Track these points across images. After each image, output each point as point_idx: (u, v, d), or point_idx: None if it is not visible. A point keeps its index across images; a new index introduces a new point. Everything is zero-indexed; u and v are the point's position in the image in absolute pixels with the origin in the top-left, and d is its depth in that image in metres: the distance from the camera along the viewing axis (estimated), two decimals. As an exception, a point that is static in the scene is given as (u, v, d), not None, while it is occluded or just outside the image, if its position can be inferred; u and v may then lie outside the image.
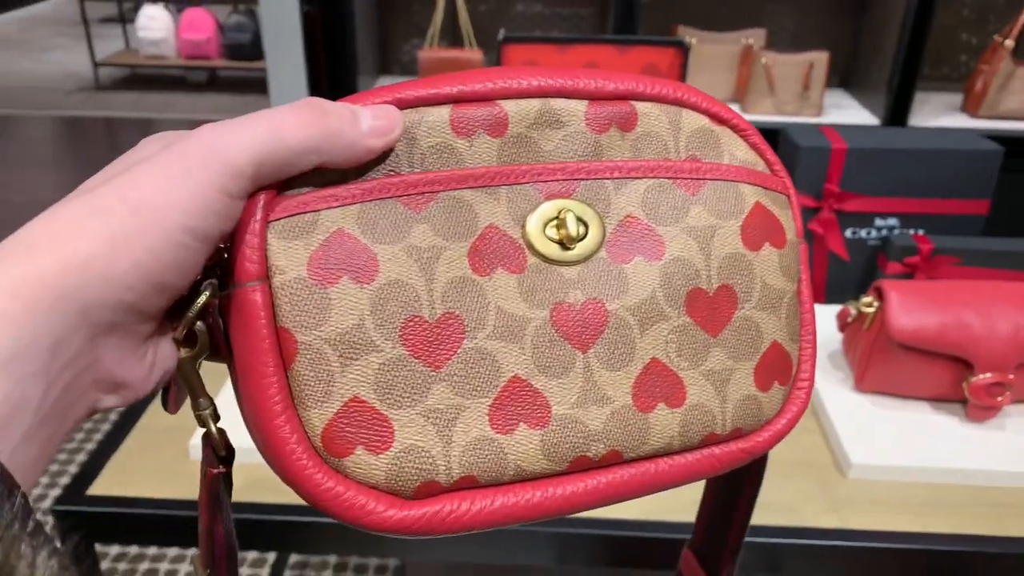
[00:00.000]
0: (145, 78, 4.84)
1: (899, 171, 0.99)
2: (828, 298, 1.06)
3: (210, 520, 0.29)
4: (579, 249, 0.29)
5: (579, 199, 0.29)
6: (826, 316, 0.95)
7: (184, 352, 0.26)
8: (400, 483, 0.26)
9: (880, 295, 0.84)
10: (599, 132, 0.30)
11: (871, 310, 0.83)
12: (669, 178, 0.31)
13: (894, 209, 1.01)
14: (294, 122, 0.25)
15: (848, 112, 2.21)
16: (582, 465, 0.29)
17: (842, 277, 1.05)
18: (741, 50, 2.17)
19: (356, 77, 2.17)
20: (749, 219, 0.31)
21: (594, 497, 0.29)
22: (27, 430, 0.21)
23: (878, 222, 1.01)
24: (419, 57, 2.23)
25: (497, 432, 0.27)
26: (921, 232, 1.01)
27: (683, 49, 0.91)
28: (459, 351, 0.27)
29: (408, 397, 0.26)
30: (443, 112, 0.28)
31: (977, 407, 0.81)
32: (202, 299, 0.26)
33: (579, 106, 0.30)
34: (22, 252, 0.22)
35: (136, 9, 4.69)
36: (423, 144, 0.28)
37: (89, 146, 4.01)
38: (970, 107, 1.93)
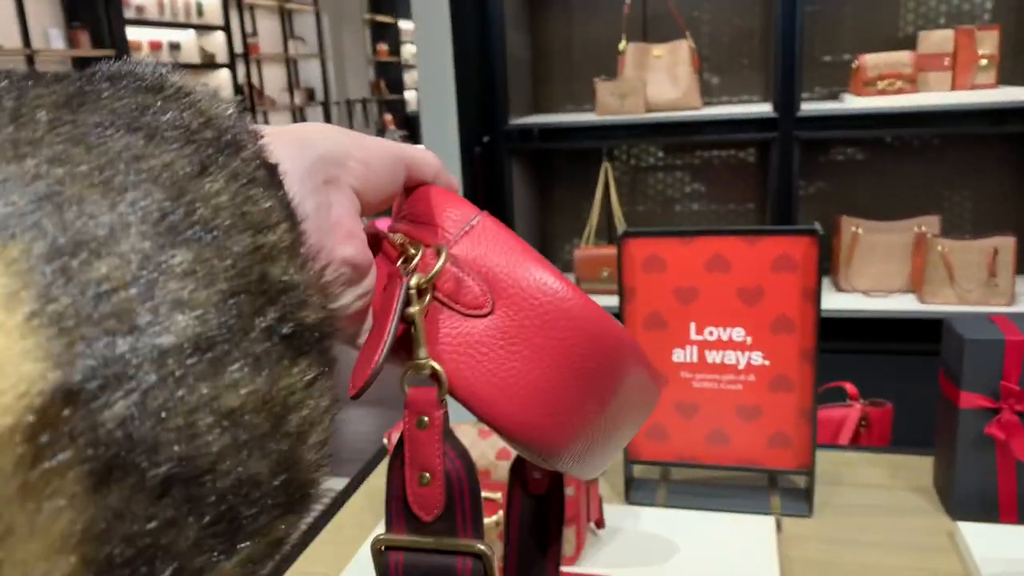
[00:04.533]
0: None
1: (1097, 365, 0.84)
2: (1022, 516, 0.89)
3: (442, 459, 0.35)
4: None
5: None
6: (1018, 539, 0.79)
7: (417, 306, 0.35)
8: None
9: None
10: None
11: (1069, 536, 0.68)
12: None
13: (1095, 410, 0.85)
14: (422, 158, 0.40)
15: (1045, 300, 1.99)
16: None
17: (1038, 490, 0.88)
18: (914, 238, 2.05)
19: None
20: None
21: None
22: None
23: (1076, 426, 0.86)
24: (575, 256, 2.27)
25: None
26: None
27: (817, 237, 0.85)
28: None
29: None
30: None
31: None
32: (444, 257, 0.36)
33: None
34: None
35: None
36: None
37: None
38: None
